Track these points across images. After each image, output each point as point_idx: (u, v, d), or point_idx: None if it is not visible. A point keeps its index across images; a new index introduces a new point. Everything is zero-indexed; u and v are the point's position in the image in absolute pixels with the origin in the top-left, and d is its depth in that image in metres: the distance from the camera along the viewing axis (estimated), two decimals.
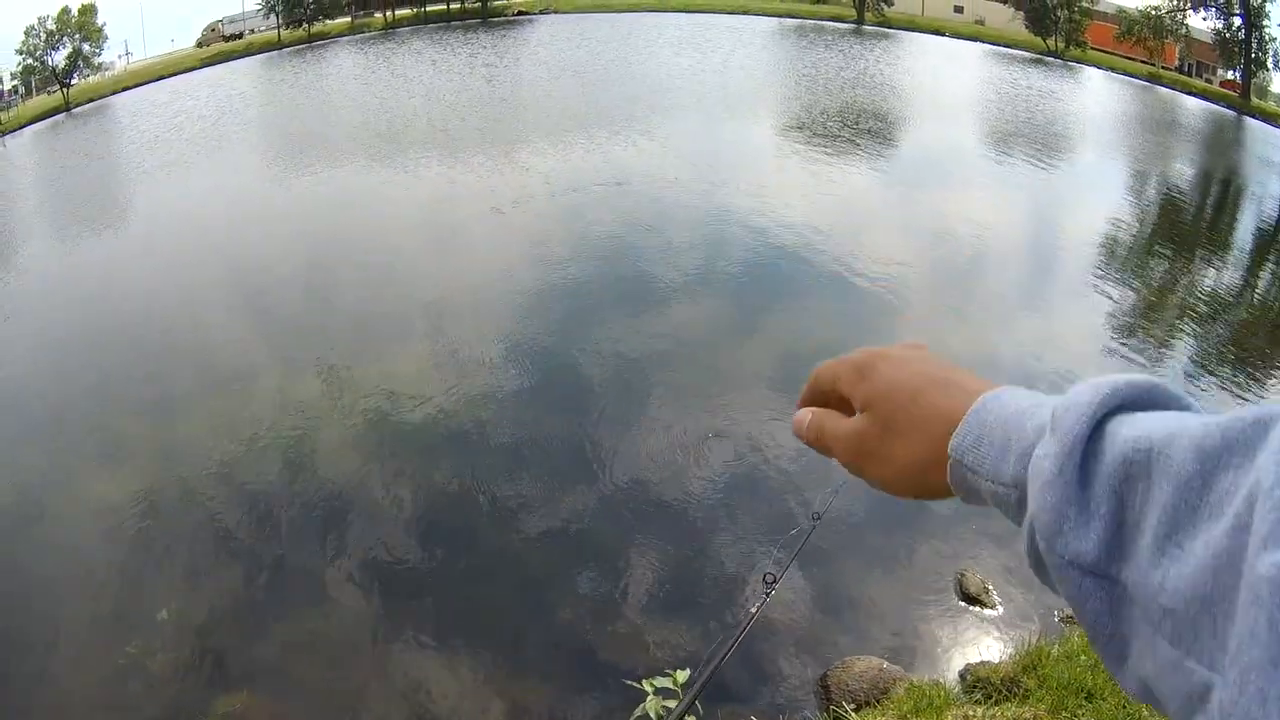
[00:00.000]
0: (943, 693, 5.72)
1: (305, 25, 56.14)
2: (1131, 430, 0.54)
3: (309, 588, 7.62)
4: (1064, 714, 4.93)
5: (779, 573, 4.38)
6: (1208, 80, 45.73)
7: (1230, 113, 39.66)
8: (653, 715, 4.32)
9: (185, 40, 52.34)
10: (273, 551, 8.16)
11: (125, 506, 8.84)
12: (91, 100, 41.37)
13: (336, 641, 7.04)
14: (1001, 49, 48.72)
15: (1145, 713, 4.85)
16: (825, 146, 25.20)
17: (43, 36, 42.83)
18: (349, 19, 59.63)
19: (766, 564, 8.04)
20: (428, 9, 61.01)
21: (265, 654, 6.92)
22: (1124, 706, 4.87)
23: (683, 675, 4.50)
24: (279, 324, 13.40)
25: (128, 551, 8.33)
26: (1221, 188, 26.42)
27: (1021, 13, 50.71)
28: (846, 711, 5.82)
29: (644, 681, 4.46)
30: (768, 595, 4.36)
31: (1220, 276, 17.73)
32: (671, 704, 4.34)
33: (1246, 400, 11.82)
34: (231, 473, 9.34)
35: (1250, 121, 38.08)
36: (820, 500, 4.72)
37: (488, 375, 11.21)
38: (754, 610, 4.56)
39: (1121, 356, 13.05)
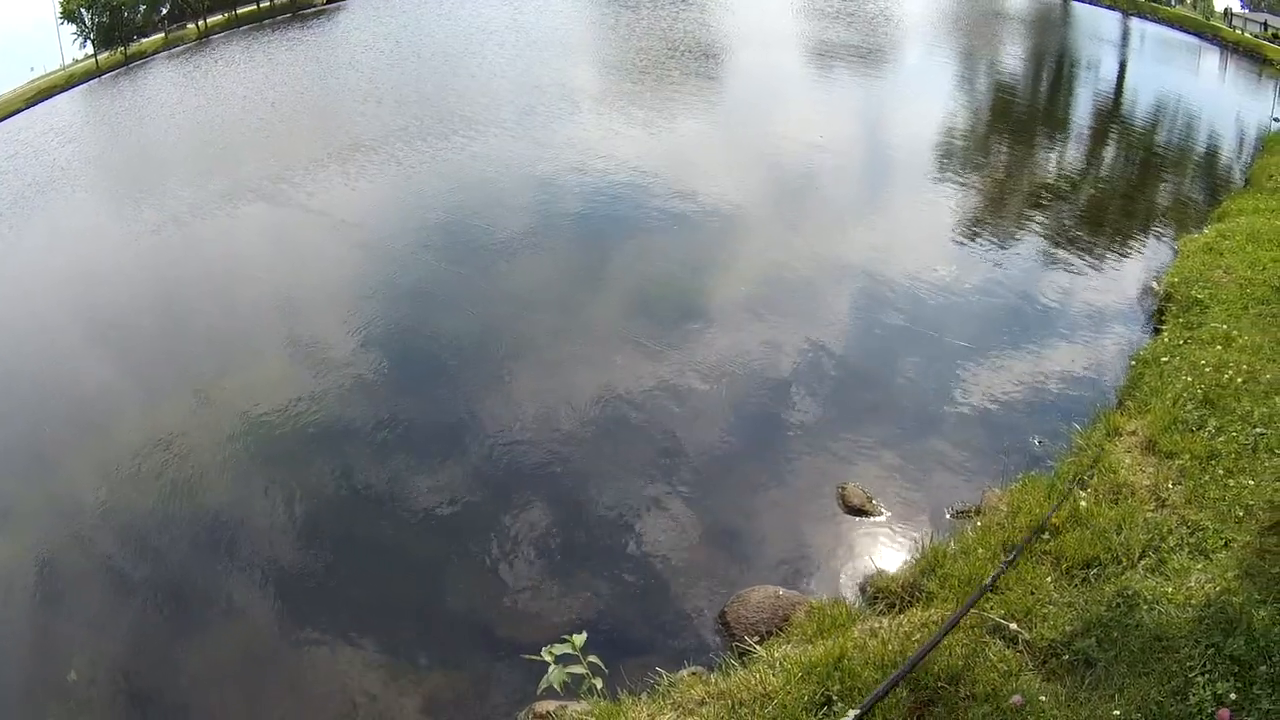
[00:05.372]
0: (845, 610, 5.37)
1: (122, 49, 53.45)
2: None
3: (211, 612, 7.36)
4: (971, 611, 4.60)
5: None
6: None
7: None
8: (557, 686, 4.36)
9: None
10: (169, 584, 7.77)
11: (11, 573, 8.24)
12: None
13: (247, 660, 6.83)
14: None
15: (1054, 594, 4.56)
16: (651, 85, 24.81)
17: None
18: (163, 35, 57.41)
19: (642, 514, 7.67)
20: (239, 11, 59.04)
21: (183, 688, 6.69)
22: (1031, 593, 4.56)
23: (580, 639, 4.43)
24: (133, 360, 12.57)
25: (21, 621, 7.74)
26: (1054, 69, 27.13)
27: None
28: (750, 645, 5.44)
29: (544, 651, 4.43)
30: None
31: (1064, 155, 18.06)
32: (575, 669, 4.39)
33: (1105, 271, 11.94)
34: (114, 514, 8.89)
35: (1075, 4, 39.17)
36: None
37: (344, 371, 10.88)
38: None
39: (974, 245, 13.07)
